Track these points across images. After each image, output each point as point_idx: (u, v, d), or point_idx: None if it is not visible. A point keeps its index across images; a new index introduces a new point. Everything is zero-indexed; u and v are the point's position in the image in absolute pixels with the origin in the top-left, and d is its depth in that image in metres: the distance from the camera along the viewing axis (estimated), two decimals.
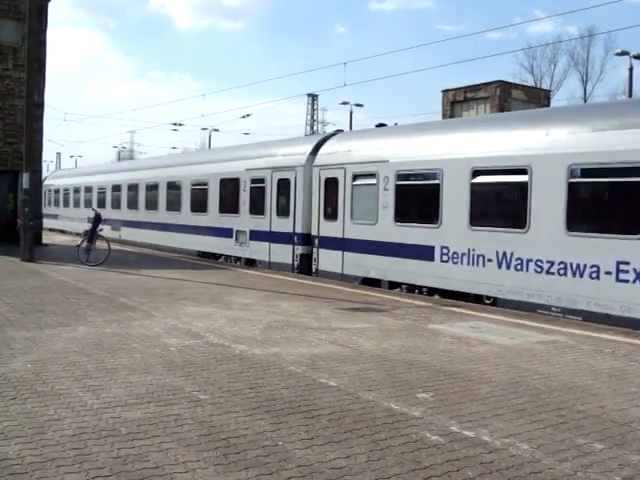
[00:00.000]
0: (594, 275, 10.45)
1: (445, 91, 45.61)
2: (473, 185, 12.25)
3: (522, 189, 11.51)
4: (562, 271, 10.89)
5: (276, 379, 6.43)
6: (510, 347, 8.25)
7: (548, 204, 11.04)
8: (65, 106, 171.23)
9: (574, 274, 10.73)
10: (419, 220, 13.64)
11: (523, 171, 11.47)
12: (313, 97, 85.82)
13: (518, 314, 10.87)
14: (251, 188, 18.93)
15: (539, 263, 11.25)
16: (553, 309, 11.09)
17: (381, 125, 18.87)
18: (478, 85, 43.79)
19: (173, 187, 23.87)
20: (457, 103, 44.54)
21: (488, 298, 12.23)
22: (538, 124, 11.97)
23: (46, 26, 23.91)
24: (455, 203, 12.62)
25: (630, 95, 37.57)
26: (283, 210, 17.69)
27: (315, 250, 16.52)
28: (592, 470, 4.36)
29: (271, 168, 18.12)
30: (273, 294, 12.69)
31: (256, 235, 18.67)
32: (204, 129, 64.19)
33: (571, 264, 10.78)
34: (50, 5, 24.19)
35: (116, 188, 29.11)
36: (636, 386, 6.50)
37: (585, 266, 10.56)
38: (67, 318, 9.46)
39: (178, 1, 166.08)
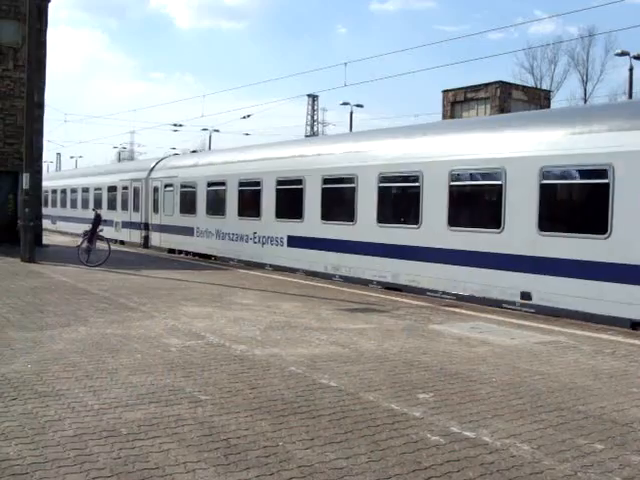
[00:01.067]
0: (247, 240, 19.13)
1: (445, 91, 45.63)
2: (208, 192, 21.46)
3: (223, 192, 20.43)
4: (237, 239, 19.73)
5: (277, 380, 6.43)
6: (510, 347, 8.25)
7: (233, 201, 19.89)
8: (66, 107, 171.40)
9: (239, 240, 19.60)
10: (188, 212, 22.73)
11: (222, 183, 20.51)
12: (313, 97, 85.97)
13: (518, 315, 10.88)
14: (122, 193, 28.63)
15: (229, 235, 20.13)
16: (237, 261, 19.53)
17: (194, 152, 31.32)
18: (478, 85, 43.81)
19: (85, 191, 33.87)
20: (457, 103, 44.57)
21: (214, 257, 21.04)
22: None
23: (46, 26, 23.89)
24: (201, 202, 21.76)
25: (630, 95, 37.53)
26: (136, 207, 27.12)
27: (150, 233, 25.93)
28: (592, 470, 4.36)
29: (131, 179, 27.74)
30: (273, 294, 12.70)
31: (124, 224, 28.24)
32: (204, 130, 64.37)
33: (239, 234, 19.63)
34: (51, 5, 24.23)
35: (54, 191, 39.06)
36: (636, 386, 6.50)
37: (244, 235, 19.34)
38: (67, 318, 9.46)
39: (179, 2, 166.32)
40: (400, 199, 14.88)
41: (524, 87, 48.45)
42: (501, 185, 11.98)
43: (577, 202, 11.72)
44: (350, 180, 15.39)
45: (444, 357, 7.59)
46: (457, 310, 11.22)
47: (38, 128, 22.87)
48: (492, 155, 12.26)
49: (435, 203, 13.18)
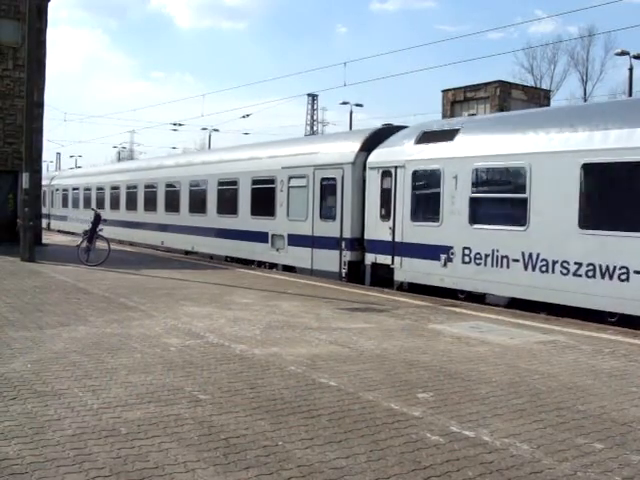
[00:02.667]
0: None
1: (445, 91, 45.59)
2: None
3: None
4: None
5: (276, 379, 6.43)
6: (510, 347, 8.25)
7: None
8: (66, 106, 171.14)
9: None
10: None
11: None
12: (313, 97, 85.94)
13: (518, 314, 10.87)
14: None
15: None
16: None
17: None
18: (478, 85, 43.73)
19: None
20: (457, 103, 44.50)
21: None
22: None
23: (46, 26, 23.89)
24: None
25: (630, 95, 37.52)
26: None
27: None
28: (592, 470, 4.36)
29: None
30: (273, 294, 12.69)
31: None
32: (204, 129, 64.49)
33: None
34: (51, 5, 24.24)
35: None
36: (636, 386, 6.50)
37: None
38: (67, 318, 9.46)
39: (179, 2, 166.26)
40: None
41: (524, 87, 48.37)
42: (273, 188, 18.33)
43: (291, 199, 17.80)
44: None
45: (444, 357, 7.60)
46: (457, 310, 11.22)
47: (38, 127, 22.87)
48: (269, 167, 18.51)
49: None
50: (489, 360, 7.49)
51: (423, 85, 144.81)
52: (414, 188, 13.67)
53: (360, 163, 15.22)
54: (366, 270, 14.94)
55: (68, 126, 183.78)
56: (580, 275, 10.50)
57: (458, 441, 4.82)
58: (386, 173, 14.28)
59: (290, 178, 17.30)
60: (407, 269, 13.82)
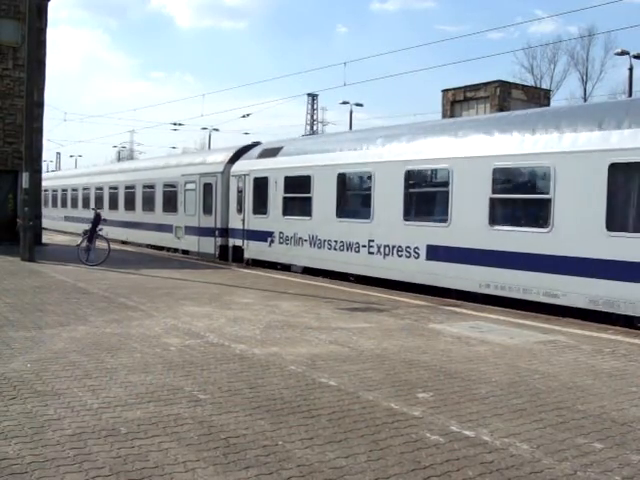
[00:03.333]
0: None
1: (445, 91, 45.58)
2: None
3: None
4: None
5: (276, 379, 6.43)
6: (510, 347, 8.25)
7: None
8: (66, 106, 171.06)
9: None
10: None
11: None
12: (313, 97, 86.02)
13: (518, 314, 10.88)
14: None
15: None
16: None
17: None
18: (478, 85, 43.73)
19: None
20: (457, 103, 44.50)
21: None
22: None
23: (46, 25, 23.89)
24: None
25: (630, 95, 37.52)
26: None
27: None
28: (592, 470, 4.36)
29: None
30: (273, 294, 12.69)
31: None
32: (204, 129, 64.55)
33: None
34: (51, 5, 24.24)
35: None
36: (636, 386, 6.50)
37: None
38: (67, 318, 9.46)
39: (179, 1, 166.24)
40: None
41: (524, 86, 48.37)
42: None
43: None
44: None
45: (443, 356, 7.59)
46: (457, 309, 11.22)
47: (38, 127, 22.87)
48: (174, 174, 24.19)
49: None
50: (489, 360, 7.48)
51: (423, 85, 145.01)
52: (254, 190, 18.87)
53: (227, 172, 20.44)
54: (229, 251, 20.28)
55: (68, 126, 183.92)
56: (337, 249, 15.56)
57: (458, 441, 4.82)
58: (240, 179, 19.61)
59: (186, 183, 22.86)
60: (251, 249, 19.13)
